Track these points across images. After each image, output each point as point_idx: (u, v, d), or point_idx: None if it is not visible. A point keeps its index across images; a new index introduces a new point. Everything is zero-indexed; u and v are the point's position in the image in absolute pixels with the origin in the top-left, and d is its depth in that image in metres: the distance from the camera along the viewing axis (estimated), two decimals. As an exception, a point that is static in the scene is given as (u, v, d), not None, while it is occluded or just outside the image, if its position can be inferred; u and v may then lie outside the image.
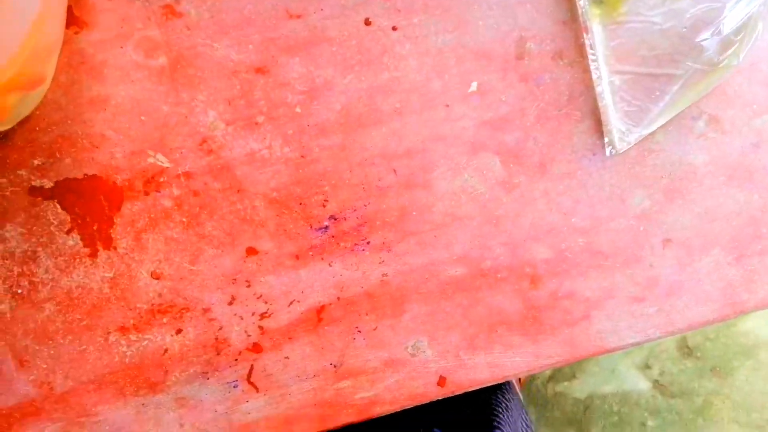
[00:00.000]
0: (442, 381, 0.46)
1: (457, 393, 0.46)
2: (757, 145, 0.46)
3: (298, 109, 0.44)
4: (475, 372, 0.46)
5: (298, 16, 0.44)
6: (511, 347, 0.46)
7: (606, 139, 0.45)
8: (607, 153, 0.45)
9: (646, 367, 1.06)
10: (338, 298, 0.45)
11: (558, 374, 1.08)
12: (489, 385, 0.46)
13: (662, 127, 0.45)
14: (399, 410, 0.46)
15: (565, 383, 1.07)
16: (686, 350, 1.05)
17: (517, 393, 0.83)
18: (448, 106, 0.45)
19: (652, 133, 0.45)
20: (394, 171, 0.45)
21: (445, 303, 0.46)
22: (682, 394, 1.05)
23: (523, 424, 0.75)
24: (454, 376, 0.46)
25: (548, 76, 0.45)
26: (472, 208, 0.45)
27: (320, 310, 0.45)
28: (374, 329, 0.45)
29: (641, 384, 1.06)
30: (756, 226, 0.46)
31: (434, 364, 0.46)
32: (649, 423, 1.05)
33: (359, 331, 0.45)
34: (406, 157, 0.45)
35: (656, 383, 1.06)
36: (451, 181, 0.45)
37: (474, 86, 0.45)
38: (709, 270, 0.46)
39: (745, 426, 1.04)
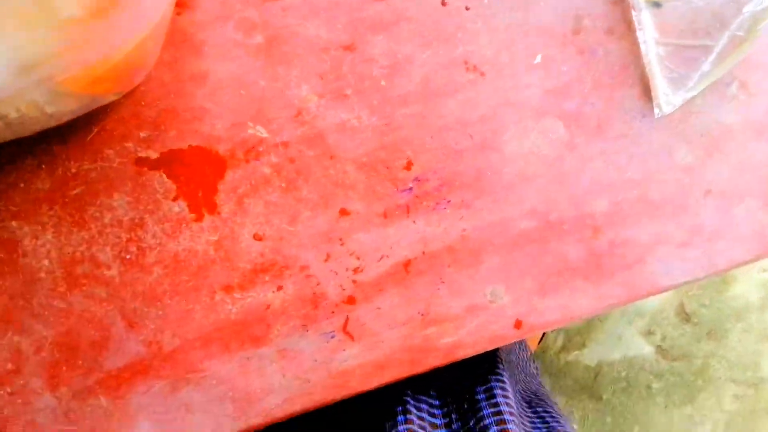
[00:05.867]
0: (518, 324, 0.51)
1: (529, 335, 0.51)
2: (780, 105, 0.53)
3: (382, 83, 0.49)
4: (546, 314, 0.51)
5: (380, 0, 0.49)
6: (576, 291, 0.51)
7: (654, 103, 0.51)
8: (656, 115, 0.51)
9: (649, 333, 1.13)
10: (423, 253, 0.50)
11: (569, 344, 1.14)
12: (561, 325, 0.51)
13: (701, 92, 0.51)
14: (479, 353, 0.51)
15: (576, 352, 1.14)
16: (684, 316, 1.13)
17: (523, 349, 0.88)
18: (515, 75, 0.50)
19: (693, 97, 0.51)
20: (470, 136, 0.50)
21: (517, 253, 0.51)
22: (683, 357, 1.13)
23: (526, 376, 0.80)
24: (528, 318, 0.51)
25: (602, 49, 0.51)
26: (539, 167, 0.51)
27: (407, 264, 0.50)
28: (456, 279, 0.50)
29: (645, 349, 1.14)
30: (782, 176, 0.53)
31: (510, 308, 0.51)
32: (654, 386, 1.13)
33: (443, 282, 0.50)
34: (479, 123, 0.50)
35: (659, 348, 1.14)
36: (520, 144, 0.50)
37: (538, 58, 0.50)
38: (743, 216, 0.53)
39: (741, 384, 1.12)
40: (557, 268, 0.51)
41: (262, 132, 0.48)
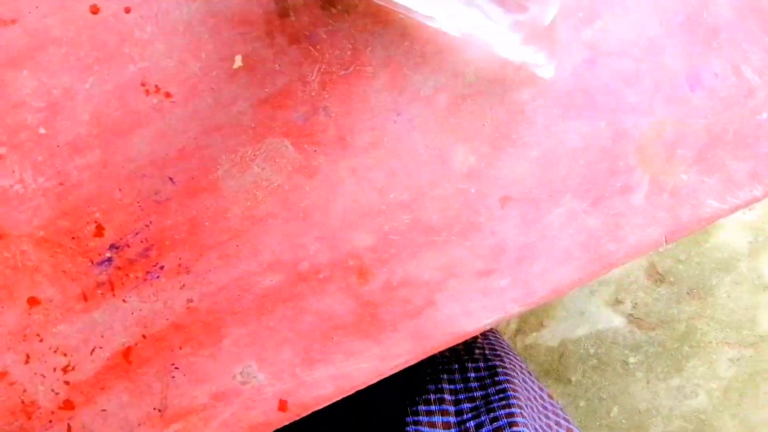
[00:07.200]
0: (282, 405, 0.40)
1: (303, 415, 0.40)
2: (591, 60, 0.38)
3: (42, 130, 0.38)
4: (317, 388, 0.40)
5: (13, 21, 0.37)
6: (352, 354, 0.40)
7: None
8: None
9: (617, 302, 0.99)
10: (144, 336, 0.40)
11: (524, 326, 1.01)
12: (337, 399, 0.40)
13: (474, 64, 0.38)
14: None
15: (534, 334, 1.01)
16: (657, 277, 0.97)
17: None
18: (214, 89, 0.38)
19: (462, 76, 0.38)
20: (171, 179, 0.38)
21: (266, 318, 0.40)
22: (662, 323, 0.98)
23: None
24: (295, 397, 0.40)
25: (323, 31, 0.38)
26: (272, 204, 0.39)
27: (126, 352, 0.40)
28: (193, 363, 0.40)
29: (615, 321, 0.99)
30: (610, 159, 0.39)
31: (270, 388, 0.40)
32: (631, 360, 0.99)
33: (176, 368, 0.40)
34: (180, 160, 0.38)
35: (631, 317, 0.99)
36: (241, 178, 0.39)
37: (239, 60, 0.38)
38: (562, 223, 0.39)
39: (736, 345, 0.97)
40: (322, 329, 0.40)
41: None
